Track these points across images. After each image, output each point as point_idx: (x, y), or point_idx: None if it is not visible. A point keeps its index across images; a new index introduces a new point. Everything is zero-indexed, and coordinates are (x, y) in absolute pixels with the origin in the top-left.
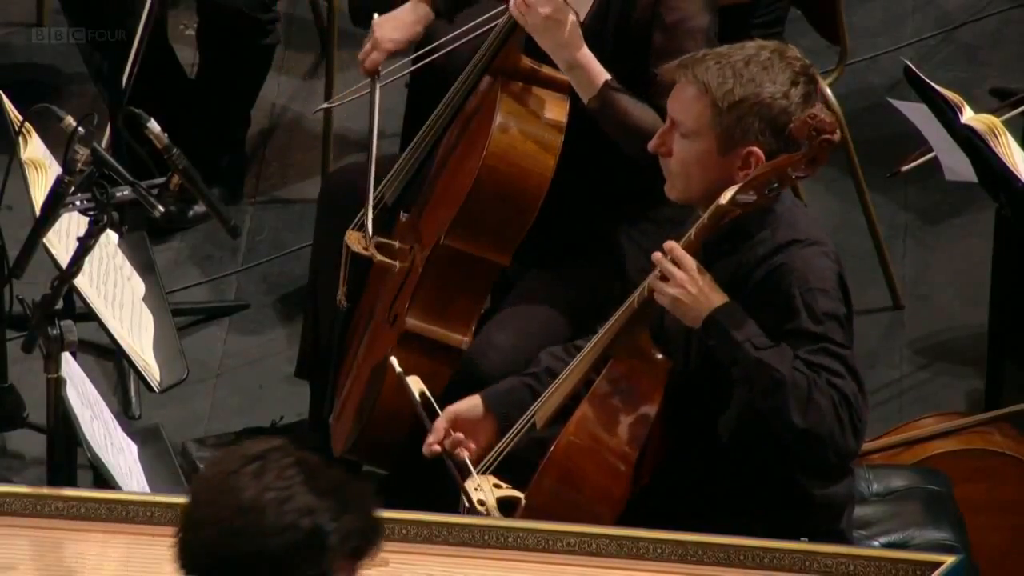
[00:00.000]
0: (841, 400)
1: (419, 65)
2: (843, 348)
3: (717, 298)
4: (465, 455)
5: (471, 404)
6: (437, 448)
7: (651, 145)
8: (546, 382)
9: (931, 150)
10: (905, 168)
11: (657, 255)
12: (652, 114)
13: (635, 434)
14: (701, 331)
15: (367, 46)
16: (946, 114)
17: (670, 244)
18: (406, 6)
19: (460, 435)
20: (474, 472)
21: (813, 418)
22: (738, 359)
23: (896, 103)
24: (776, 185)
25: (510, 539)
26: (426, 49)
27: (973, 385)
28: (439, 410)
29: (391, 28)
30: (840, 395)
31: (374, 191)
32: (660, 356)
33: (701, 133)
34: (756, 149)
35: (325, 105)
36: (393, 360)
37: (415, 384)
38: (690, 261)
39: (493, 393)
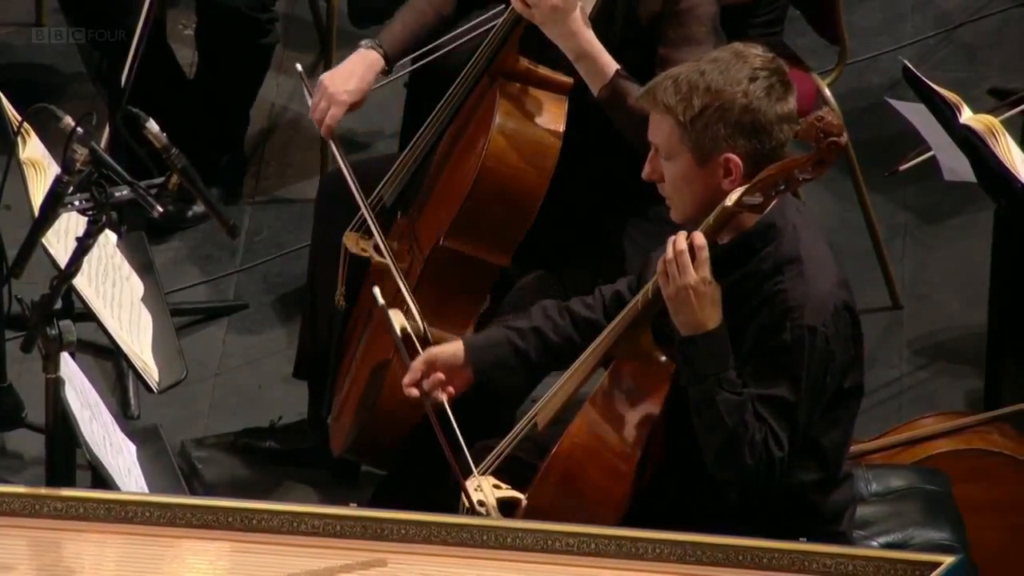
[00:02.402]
0: (767, 466)
1: (418, 65)
2: (797, 410)
3: (712, 318)
4: (443, 398)
5: (453, 350)
6: (415, 391)
7: (644, 174)
8: (530, 341)
9: (930, 148)
10: (904, 167)
11: (681, 245)
12: None
13: (638, 435)
14: (677, 343)
15: (320, 103)
16: (945, 114)
17: (700, 242)
18: (353, 56)
19: (441, 375)
20: (475, 472)
21: (732, 471)
22: (697, 386)
23: (895, 103)
24: (783, 187)
25: (509, 539)
26: (425, 49)
27: (973, 385)
28: (420, 350)
29: (342, 80)
30: (768, 461)
31: (368, 197)
32: (664, 358)
33: (677, 152)
34: (731, 155)
35: None
36: (376, 291)
37: (396, 319)
38: (706, 258)
39: (475, 344)
